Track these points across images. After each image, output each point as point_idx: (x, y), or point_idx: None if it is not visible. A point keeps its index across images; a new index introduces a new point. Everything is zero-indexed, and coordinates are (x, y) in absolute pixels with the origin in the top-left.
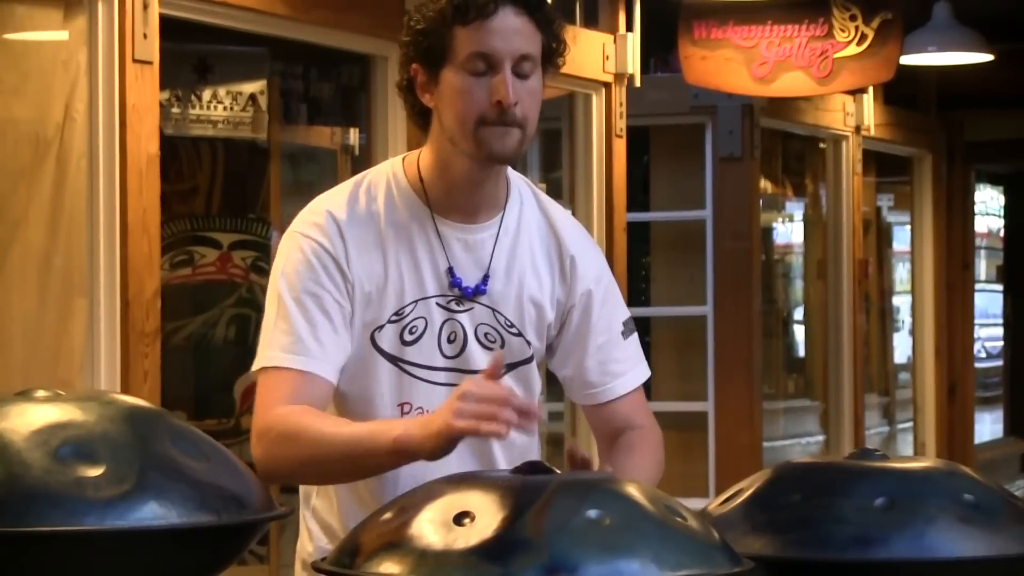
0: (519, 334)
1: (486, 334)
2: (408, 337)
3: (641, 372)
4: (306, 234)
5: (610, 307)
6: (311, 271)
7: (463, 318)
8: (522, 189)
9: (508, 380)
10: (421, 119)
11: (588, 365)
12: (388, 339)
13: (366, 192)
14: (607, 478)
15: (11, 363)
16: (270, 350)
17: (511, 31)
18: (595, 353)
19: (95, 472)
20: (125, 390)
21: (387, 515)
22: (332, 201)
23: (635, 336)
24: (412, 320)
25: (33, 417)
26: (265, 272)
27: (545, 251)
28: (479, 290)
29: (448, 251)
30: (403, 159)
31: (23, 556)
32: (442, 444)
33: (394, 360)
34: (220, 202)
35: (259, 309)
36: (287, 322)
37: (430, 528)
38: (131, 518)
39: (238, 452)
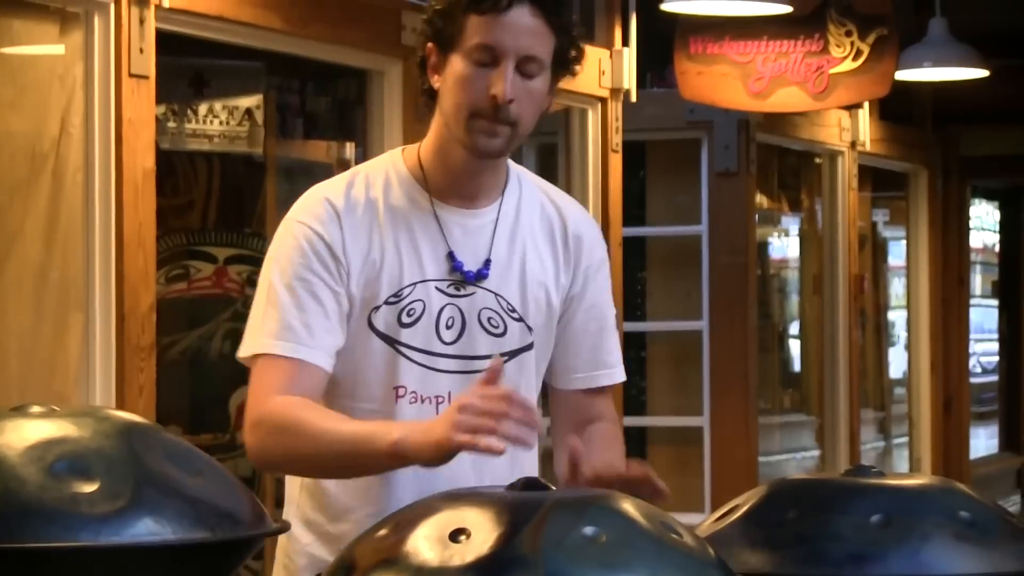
0: (520, 319)
1: (489, 319)
2: (406, 319)
3: (622, 370)
4: (301, 220)
5: (607, 296)
6: (303, 257)
7: (463, 303)
8: (521, 175)
9: (509, 368)
10: (431, 100)
11: (579, 349)
12: (384, 320)
13: (364, 179)
14: (603, 495)
15: (6, 377)
16: (260, 336)
17: (522, 29)
18: (589, 338)
19: (90, 488)
20: (120, 404)
21: (383, 531)
22: (329, 188)
23: (617, 334)
24: (410, 302)
25: (28, 433)
26: None
27: (548, 233)
28: (481, 274)
29: (448, 236)
30: (402, 150)
31: (18, 572)
32: (439, 455)
33: (390, 341)
34: (216, 216)
35: None
36: (277, 309)
37: (426, 545)
38: (126, 534)
39: (233, 467)
